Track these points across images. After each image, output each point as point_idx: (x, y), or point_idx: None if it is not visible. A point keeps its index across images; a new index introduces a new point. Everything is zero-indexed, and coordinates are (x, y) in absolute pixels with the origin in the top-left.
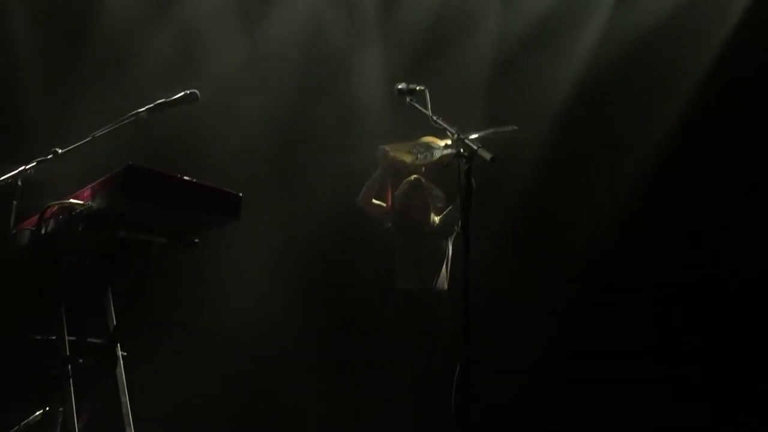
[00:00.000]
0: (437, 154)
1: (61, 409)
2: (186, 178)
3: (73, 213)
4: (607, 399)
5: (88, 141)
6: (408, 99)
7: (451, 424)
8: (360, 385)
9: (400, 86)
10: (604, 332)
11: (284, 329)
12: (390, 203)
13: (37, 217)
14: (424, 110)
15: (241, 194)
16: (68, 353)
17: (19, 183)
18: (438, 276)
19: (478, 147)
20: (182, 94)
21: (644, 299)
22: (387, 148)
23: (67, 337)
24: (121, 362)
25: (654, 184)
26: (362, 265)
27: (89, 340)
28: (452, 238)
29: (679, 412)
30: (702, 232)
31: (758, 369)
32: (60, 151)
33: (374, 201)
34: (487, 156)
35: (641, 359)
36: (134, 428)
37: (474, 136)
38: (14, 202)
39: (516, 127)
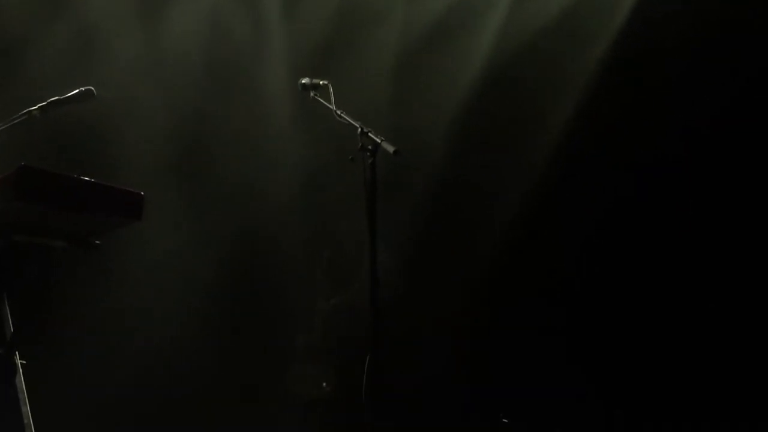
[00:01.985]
0: None
1: None
2: (83, 178)
3: None
4: (508, 383)
5: None
6: (312, 93)
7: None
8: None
9: (303, 81)
10: (508, 326)
11: (193, 331)
12: None
13: None
14: (327, 105)
15: (142, 193)
16: None
17: None
18: None
19: (382, 140)
20: (77, 91)
21: (544, 293)
22: None
23: None
24: (21, 371)
25: (550, 179)
26: (272, 264)
27: None
28: None
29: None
30: (599, 227)
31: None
32: None
33: None
34: (391, 149)
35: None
36: None
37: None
38: None
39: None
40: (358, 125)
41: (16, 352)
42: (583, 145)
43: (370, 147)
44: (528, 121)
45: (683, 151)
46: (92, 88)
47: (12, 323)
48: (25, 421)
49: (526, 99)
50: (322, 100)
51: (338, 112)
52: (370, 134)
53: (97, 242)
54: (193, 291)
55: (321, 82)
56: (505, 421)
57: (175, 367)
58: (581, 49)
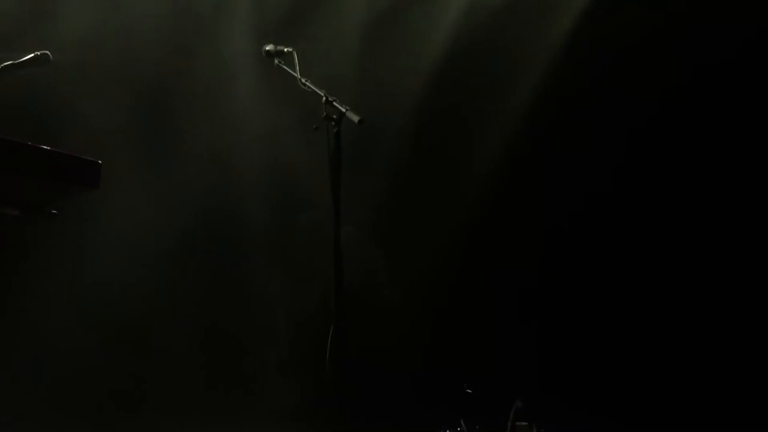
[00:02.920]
0: None
1: None
2: (35, 144)
3: None
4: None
5: None
6: (276, 61)
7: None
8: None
9: (267, 48)
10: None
11: (153, 305)
12: None
13: None
14: (292, 72)
15: (100, 161)
16: None
17: None
18: None
19: (347, 109)
20: (32, 55)
21: (516, 264)
22: None
23: None
24: None
25: (518, 148)
26: (234, 238)
27: None
28: None
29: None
30: (552, 214)
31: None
32: None
33: None
34: (355, 118)
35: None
36: None
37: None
38: None
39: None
40: (322, 94)
41: None
42: (551, 114)
43: (334, 116)
44: (495, 90)
45: (645, 128)
46: (48, 52)
47: None
48: None
49: (492, 67)
50: (286, 68)
51: (303, 80)
52: (335, 103)
53: (54, 212)
54: (154, 262)
55: (285, 49)
56: (469, 391)
57: (135, 342)
58: (547, 22)
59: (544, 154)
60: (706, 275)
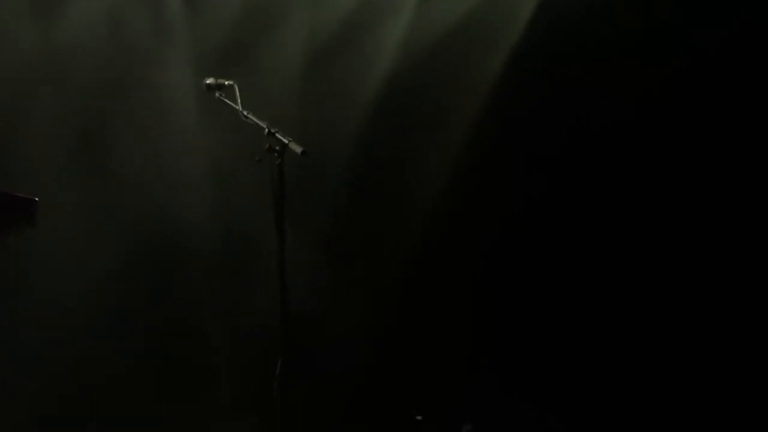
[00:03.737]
0: None
1: None
2: None
3: None
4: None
5: None
6: (217, 94)
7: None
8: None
9: (208, 81)
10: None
11: (89, 340)
12: None
13: None
14: (234, 105)
15: (36, 198)
16: None
17: None
18: None
19: (289, 141)
20: None
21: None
22: None
23: None
24: None
25: (460, 177)
26: (174, 264)
27: None
28: None
29: None
30: (514, 226)
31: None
32: None
33: None
34: (298, 149)
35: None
36: None
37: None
38: None
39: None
40: (264, 126)
41: None
42: (494, 142)
43: (277, 148)
44: (437, 120)
45: (591, 148)
46: None
47: None
48: None
49: (434, 98)
50: (227, 101)
51: (244, 112)
52: (277, 135)
53: None
54: (94, 297)
55: (226, 83)
56: (419, 418)
57: (80, 368)
58: (487, 50)
59: (490, 178)
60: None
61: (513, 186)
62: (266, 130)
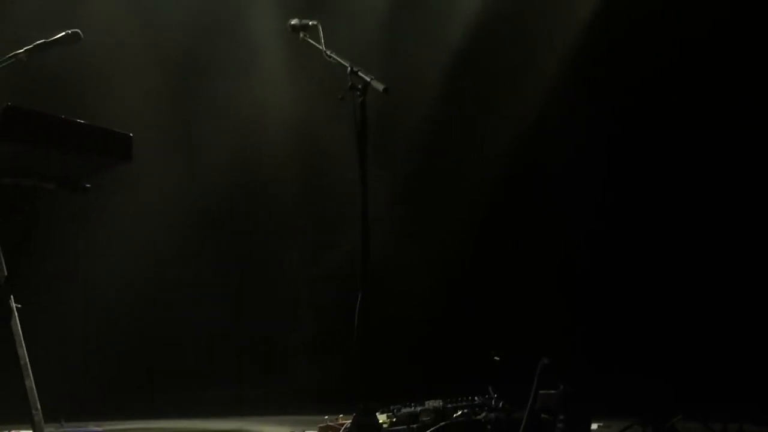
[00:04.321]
0: None
1: None
2: (70, 118)
3: None
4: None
5: None
6: (301, 34)
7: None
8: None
9: (293, 22)
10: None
11: (179, 278)
12: None
13: None
14: (317, 45)
15: (131, 134)
16: None
17: None
18: None
19: (372, 78)
20: (63, 34)
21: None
22: None
23: None
24: (16, 314)
25: (540, 119)
26: (260, 211)
27: None
28: None
29: None
30: (592, 177)
31: None
32: None
33: None
34: (380, 87)
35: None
36: (33, 379)
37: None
38: None
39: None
40: (347, 64)
41: (11, 296)
42: (577, 91)
43: (359, 86)
44: (520, 66)
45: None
46: (78, 30)
47: (5, 267)
48: (22, 362)
49: (518, 43)
50: (311, 41)
51: (327, 52)
52: (359, 73)
53: (87, 185)
54: (183, 234)
55: (310, 23)
56: (497, 359)
57: (164, 309)
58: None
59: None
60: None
61: (599, 137)
62: (349, 68)
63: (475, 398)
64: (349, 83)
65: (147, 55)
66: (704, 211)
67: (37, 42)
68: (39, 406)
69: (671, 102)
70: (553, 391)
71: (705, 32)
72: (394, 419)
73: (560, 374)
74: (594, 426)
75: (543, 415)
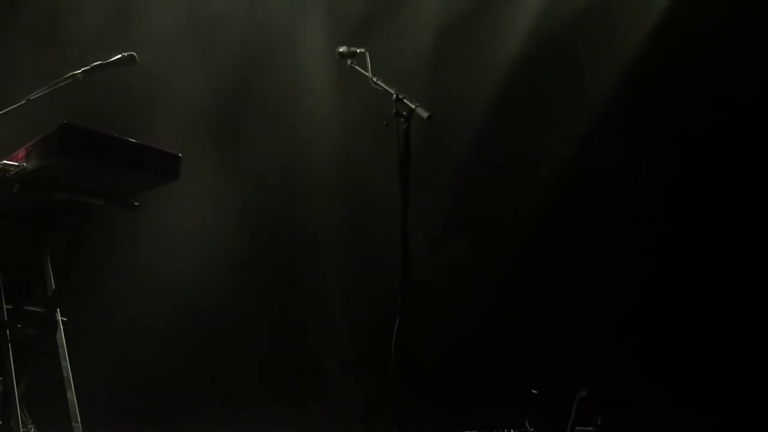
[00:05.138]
0: None
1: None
2: (122, 137)
3: (8, 175)
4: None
5: (22, 104)
6: (349, 62)
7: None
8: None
9: (341, 49)
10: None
11: (223, 294)
12: None
13: None
14: (364, 72)
15: (180, 154)
16: (6, 319)
17: None
18: None
19: (416, 106)
20: (120, 56)
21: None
22: None
23: (4, 304)
24: (61, 327)
25: (584, 154)
26: (305, 233)
27: (27, 307)
28: None
29: None
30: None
31: None
32: None
33: None
34: (425, 114)
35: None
36: (75, 391)
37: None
38: None
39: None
40: (393, 91)
41: (58, 309)
42: (624, 121)
43: (404, 113)
44: (566, 96)
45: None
46: (134, 53)
47: (53, 281)
48: (65, 374)
49: (564, 74)
50: (358, 68)
51: (374, 79)
52: (404, 100)
53: (136, 203)
54: (223, 257)
55: (358, 50)
56: (534, 391)
57: (204, 332)
58: (621, 30)
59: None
60: None
61: (649, 166)
62: (394, 95)
63: (512, 431)
64: (394, 110)
65: (195, 78)
66: None
67: (94, 63)
68: (79, 419)
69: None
70: (590, 428)
71: None
72: None
73: (598, 408)
74: None
75: None
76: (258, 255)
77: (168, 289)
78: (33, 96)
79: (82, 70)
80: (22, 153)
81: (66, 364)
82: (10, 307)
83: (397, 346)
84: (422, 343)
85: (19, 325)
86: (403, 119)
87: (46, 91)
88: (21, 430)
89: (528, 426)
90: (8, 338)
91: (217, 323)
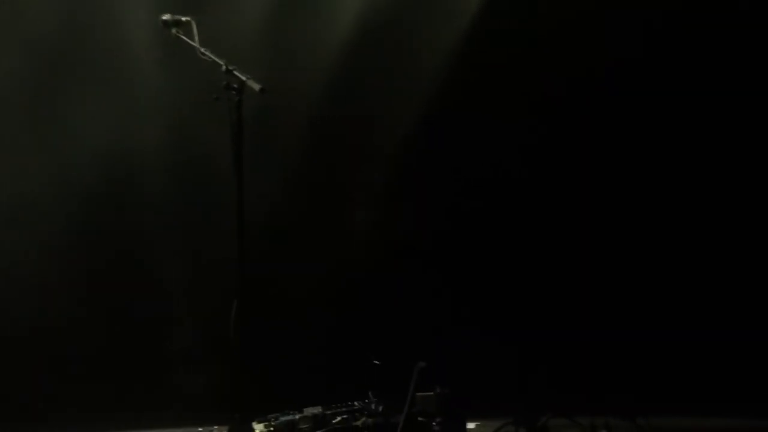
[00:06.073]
0: None
1: None
2: None
3: None
4: None
5: None
6: (174, 30)
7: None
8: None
9: (164, 17)
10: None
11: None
12: None
13: None
14: (191, 42)
15: None
16: None
17: None
18: None
19: (248, 78)
20: None
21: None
22: None
23: None
24: None
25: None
26: (136, 214)
27: None
28: None
29: None
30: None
31: None
32: None
33: None
34: (257, 87)
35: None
36: None
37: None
38: None
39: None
40: (222, 63)
41: None
42: (460, 94)
43: (235, 85)
44: (403, 67)
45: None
46: None
47: None
48: None
49: (402, 43)
50: (185, 38)
51: (202, 50)
52: (235, 72)
53: None
54: (49, 239)
55: (183, 19)
56: (376, 362)
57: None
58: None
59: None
60: None
61: (483, 137)
62: (224, 67)
63: (355, 403)
64: (224, 82)
65: (10, 49)
66: None
67: None
68: None
69: None
70: (430, 393)
71: None
72: (272, 428)
73: (436, 377)
74: (471, 425)
75: (420, 418)
76: (84, 237)
77: None
78: None
79: None
80: None
81: None
82: None
83: (235, 330)
84: (260, 324)
85: None
86: (234, 92)
87: None
88: None
89: (371, 396)
90: None
91: (44, 318)
